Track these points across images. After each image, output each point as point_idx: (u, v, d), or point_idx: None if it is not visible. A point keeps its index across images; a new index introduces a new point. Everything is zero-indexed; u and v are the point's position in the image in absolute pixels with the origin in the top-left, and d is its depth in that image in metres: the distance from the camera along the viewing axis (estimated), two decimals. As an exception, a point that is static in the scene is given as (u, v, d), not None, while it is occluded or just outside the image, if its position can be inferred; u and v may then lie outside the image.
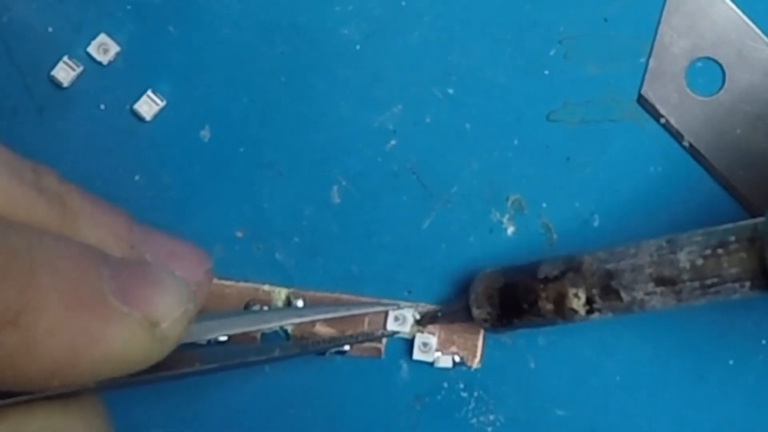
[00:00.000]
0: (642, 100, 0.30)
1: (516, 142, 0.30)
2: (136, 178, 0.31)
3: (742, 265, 0.24)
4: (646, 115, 0.30)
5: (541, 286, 0.27)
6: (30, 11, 0.31)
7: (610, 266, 0.26)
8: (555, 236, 0.30)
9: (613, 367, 0.30)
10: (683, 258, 0.25)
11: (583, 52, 0.30)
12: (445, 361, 0.30)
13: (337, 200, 0.31)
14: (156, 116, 0.31)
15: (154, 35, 0.31)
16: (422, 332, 0.30)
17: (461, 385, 0.30)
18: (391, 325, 0.30)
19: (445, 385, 0.31)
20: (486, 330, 0.29)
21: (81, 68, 0.31)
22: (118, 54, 0.31)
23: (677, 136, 0.30)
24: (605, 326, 0.30)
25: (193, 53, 0.31)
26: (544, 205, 0.30)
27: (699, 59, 0.29)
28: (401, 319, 0.30)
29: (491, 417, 0.31)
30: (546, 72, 0.30)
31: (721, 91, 0.29)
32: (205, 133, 0.31)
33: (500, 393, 0.30)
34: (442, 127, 0.30)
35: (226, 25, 0.31)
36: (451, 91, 0.30)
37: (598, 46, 0.30)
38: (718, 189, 0.29)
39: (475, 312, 0.29)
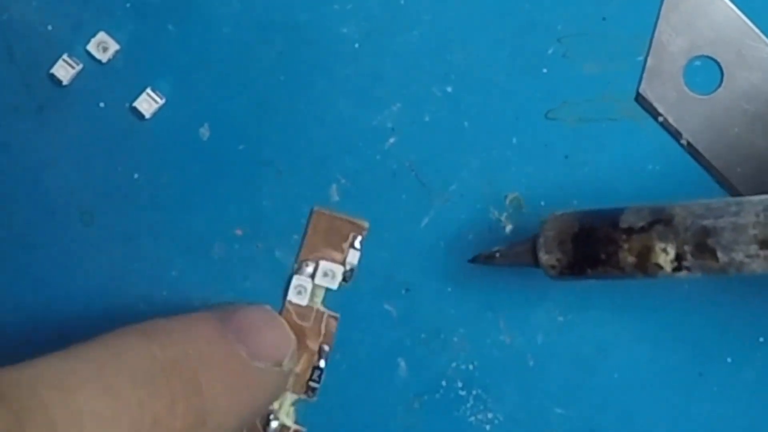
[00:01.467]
0: (640, 99, 0.30)
1: (514, 140, 0.30)
2: (136, 176, 0.31)
3: None
4: (645, 114, 0.30)
5: (624, 236, 0.25)
6: (30, 9, 0.31)
7: (707, 222, 0.24)
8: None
9: (612, 366, 0.30)
10: None
11: (582, 50, 0.30)
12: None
13: (336, 198, 0.31)
14: (155, 114, 0.31)
15: (154, 33, 0.31)
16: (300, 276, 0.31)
17: (459, 384, 0.30)
18: (320, 281, 0.30)
19: (444, 383, 0.31)
20: (551, 277, 0.27)
21: (80, 66, 0.31)
22: (117, 52, 0.31)
23: (675, 134, 0.30)
24: (604, 325, 0.30)
25: (193, 51, 0.31)
26: (543, 203, 0.30)
27: (697, 58, 0.29)
28: (330, 275, 0.30)
29: (490, 415, 0.30)
30: (544, 71, 0.30)
31: (720, 90, 0.29)
32: (205, 131, 0.31)
33: (499, 391, 0.30)
34: (441, 126, 0.30)
35: (225, 24, 0.31)
36: (449, 89, 0.30)
37: (597, 45, 0.30)
38: (717, 187, 0.29)
39: (543, 257, 0.27)
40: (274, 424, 0.31)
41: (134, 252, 0.31)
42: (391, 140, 0.31)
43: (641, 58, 0.30)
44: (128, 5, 0.31)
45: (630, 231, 0.25)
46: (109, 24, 0.31)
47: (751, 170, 0.29)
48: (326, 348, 0.31)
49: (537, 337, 0.30)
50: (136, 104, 0.31)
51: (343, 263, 0.31)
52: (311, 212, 0.31)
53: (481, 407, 0.30)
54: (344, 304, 0.31)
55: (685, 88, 0.30)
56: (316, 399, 0.31)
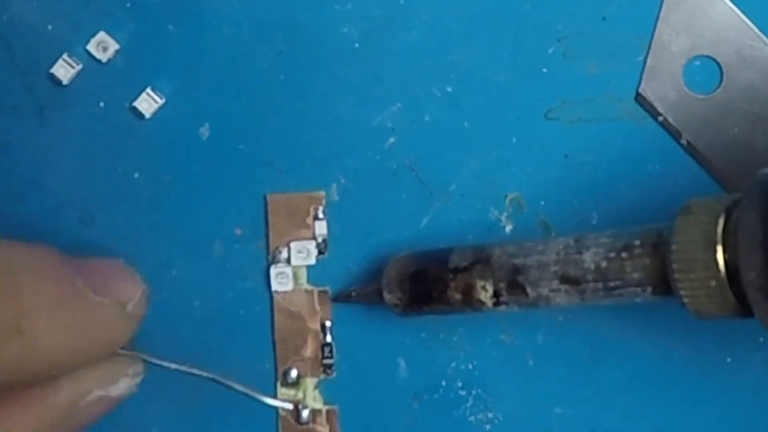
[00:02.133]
0: (640, 99, 0.30)
1: (514, 140, 0.30)
2: (136, 175, 0.31)
3: (644, 271, 0.24)
4: (645, 114, 0.30)
5: (451, 276, 0.27)
6: (30, 9, 0.31)
7: (517, 261, 0.26)
8: (553, 234, 0.30)
9: (612, 366, 0.30)
10: (588, 258, 0.25)
11: (582, 50, 0.30)
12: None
13: (336, 198, 0.31)
14: (155, 114, 0.31)
15: (154, 33, 0.31)
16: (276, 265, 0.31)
17: (459, 384, 0.31)
18: (296, 261, 0.31)
19: (444, 383, 0.31)
20: (397, 314, 0.29)
21: (80, 66, 0.31)
22: (117, 52, 0.31)
23: (675, 134, 0.30)
24: (604, 325, 0.30)
25: (193, 51, 0.31)
26: (543, 203, 0.30)
27: (697, 57, 0.29)
28: (305, 252, 0.30)
29: (489, 415, 0.31)
30: (544, 70, 0.30)
31: (719, 90, 0.29)
32: (205, 131, 0.31)
33: (499, 391, 0.30)
34: (440, 126, 0.30)
35: (225, 24, 0.31)
36: (449, 89, 0.30)
37: (597, 45, 0.30)
38: (716, 187, 0.30)
39: (387, 296, 0.29)
40: (305, 413, 0.31)
41: (134, 252, 0.31)
42: (391, 140, 0.31)
43: (641, 58, 0.30)
44: (128, 5, 0.31)
45: (456, 270, 0.27)
46: (109, 24, 0.31)
47: (751, 170, 0.29)
48: (328, 323, 0.31)
49: (537, 337, 0.30)
50: (136, 104, 0.31)
51: (314, 237, 0.31)
52: (265, 201, 0.31)
53: (481, 407, 0.30)
54: (344, 304, 0.31)
55: (685, 88, 0.30)
56: (335, 375, 0.31)
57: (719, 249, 0.23)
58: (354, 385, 0.31)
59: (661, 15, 0.29)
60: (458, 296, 0.27)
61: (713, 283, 0.23)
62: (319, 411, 0.31)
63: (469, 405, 0.31)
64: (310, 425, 0.31)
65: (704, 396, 0.30)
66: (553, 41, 0.30)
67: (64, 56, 0.31)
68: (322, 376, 0.31)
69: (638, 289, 0.25)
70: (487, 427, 0.30)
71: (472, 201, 0.30)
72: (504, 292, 0.27)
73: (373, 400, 0.31)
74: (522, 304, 0.27)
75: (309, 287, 0.31)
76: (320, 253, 0.31)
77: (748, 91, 0.29)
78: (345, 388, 0.31)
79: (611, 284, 0.25)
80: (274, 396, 0.31)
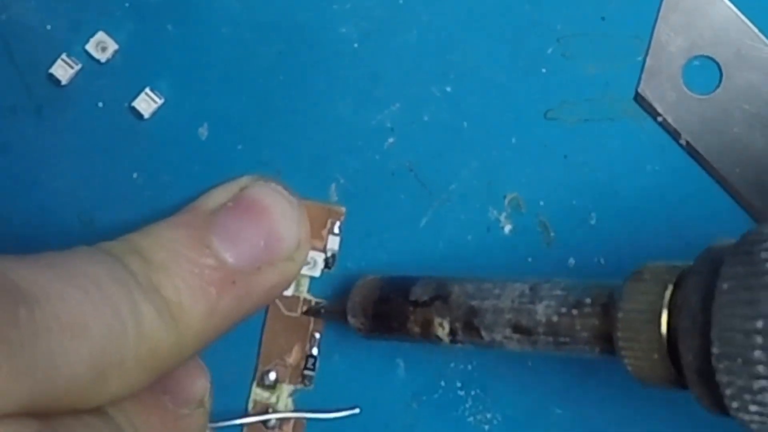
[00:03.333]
0: (639, 99, 0.30)
1: (514, 140, 0.30)
2: (135, 175, 0.31)
3: (592, 331, 0.24)
4: (644, 114, 0.30)
5: (411, 308, 0.28)
6: (28, 9, 0.31)
7: (474, 303, 0.26)
8: (552, 234, 0.30)
9: (612, 365, 0.30)
10: (541, 311, 0.25)
11: (581, 50, 0.30)
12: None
13: (335, 198, 0.31)
14: (154, 114, 0.31)
15: (153, 33, 0.31)
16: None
17: (458, 384, 0.30)
18: (303, 270, 0.30)
19: (443, 383, 0.31)
20: (362, 337, 0.29)
21: (79, 66, 0.31)
22: (116, 52, 0.31)
23: (674, 134, 0.30)
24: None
25: (192, 51, 0.31)
26: (542, 203, 0.30)
27: (696, 57, 0.29)
28: (312, 263, 0.30)
29: (488, 415, 0.30)
30: (544, 70, 0.30)
31: (719, 90, 0.29)
32: (204, 131, 0.31)
33: (497, 391, 0.30)
34: (440, 126, 0.30)
35: (224, 24, 0.31)
36: (449, 89, 0.30)
37: (596, 45, 0.30)
38: (716, 187, 0.29)
39: (351, 320, 0.29)
40: (272, 421, 0.31)
41: (133, 252, 0.31)
42: (390, 140, 0.31)
43: (640, 58, 0.30)
44: (127, 5, 0.31)
45: (416, 303, 0.28)
46: (108, 24, 0.31)
47: (750, 170, 0.29)
48: (317, 335, 0.31)
49: (536, 337, 0.30)
50: (134, 104, 0.31)
51: (324, 250, 0.31)
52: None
53: (480, 407, 0.30)
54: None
55: (684, 88, 0.29)
56: (312, 387, 0.31)
57: (663, 322, 0.22)
58: (354, 385, 0.31)
59: (661, 15, 0.29)
60: (417, 329, 0.27)
61: (655, 355, 0.23)
62: (288, 420, 0.31)
63: (468, 405, 0.31)
64: (276, 430, 0.31)
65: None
66: (552, 41, 0.30)
67: (63, 56, 0.31)
68: (300, 386, 0.31)
69: (587, 347, 0.24)
70: (486, 427, 0.30)
71: (472, 201, 0.30)
72: (459, 332, 0.27)
73: (371, 400, 0.31)
74: (477, 344, 0.27)
75: (308, 298, 0.31)
76: (327, 266, 0.31)
77: (747, 91, 0.29)
78: (344, 388, 0.31)
79: (561, 339, 0.25)
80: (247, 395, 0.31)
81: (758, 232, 0.21)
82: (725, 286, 0.21)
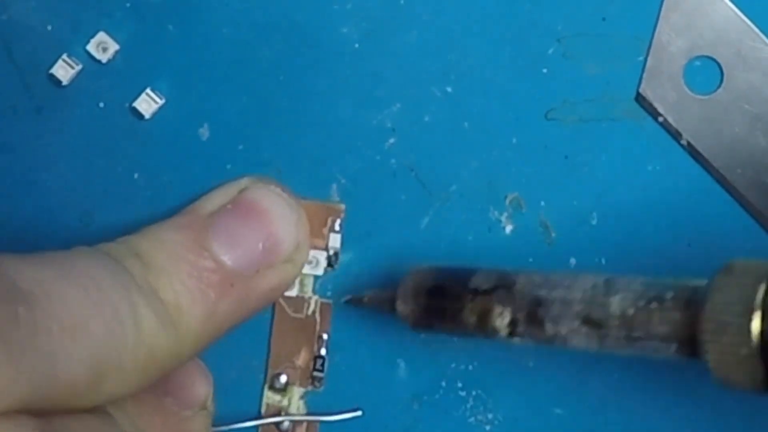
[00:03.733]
0: (640, 99, 0.30)
1: (514, 140, 0.30)
2: (135, 176, 0.31)
3: (672, 325, 0.23)
4: (645, 114, 0.30)
5: (470, 296, 0.26)
6: (29, 9, 0.31)
7: (541, 293, 0.25)
8: (553, 234, 0.30)
9: (612, 366, 0.30)
10: (615, 303, 0.24)
11: (582, 50, 0.30)
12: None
13: (335, 198, 0.31)
14: (155, 114, 0.31)
15: (154, 34, 0.31)
16: None
17: (459, 384, 0.30)
18: (305, 269, 0.30)
19: (444, 384, 0.31)
20: (409, 327, 0.28)
21: (80, 66, 0.31)
22: (117, 52, 0.31)
23: (675, 134, 0.30)
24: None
25: (192, 52, 0.31)
26: (543, 203, 0.30)
27: (697, 58, 0.29)
28: (314, 262, 0.30)
29: (489, 416, 0.30)
30: (544, 71, 0.30)
31: (720, 90, 0.29)
32: (204, 132, 0.31)
33: (499, 392, 0.30)
34: (440, 126, 0.30)
35: (225, 24, 0.31)
36: (449, 89, 0.30)
37: (597, 45, 0.30)
38: (717, 187, 0.29)
39: (400, 306, 0.28)
40: (286, 423, 0.31)
41: (134, 252, 0.31)
42: (391, 140, 0.31)
43: (641, 58, 0.30)
44: (128, 5, 0.31)
45: (476, 292, 0.26)
46: (109, 24, 0.31)
47: (751, 170, 0.29)
48: (325, 336, 0.31)
49: (537, 338, 0.30)
50: (135, 104, 0.31)
51: (326, 248, 0.31)
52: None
53: (481, 408, 0.30)
54: (343, 304, 0.31)
55: (685, 89, 0.30)
56: (323, 388, 0.31)
57: (756, 316, 0.21)
58: (355, 385, 0.31)
59: (661, 15, 0.29)
60: (473, 319, 0.26)
61: (744, 350, 0.21)
62: (300, 423, 0.31)
63: (469, 406, 0.31)
64: None
65: (704, 397, 0.30)
66: (553, 41, 0.30)
67: (64, 56, 0.31)
68: (310, 388, 0.31)
69: (662, 344, 0.23)
70: (488, 427, 0.30)
71: (472, 201, 0.30)
72: (521, 323, 0.25)
73: (372, 400, 0.31)
74: (538, 339, 0.25)
75: (313, 297, 0.31)
76: (329, 265, 0.31)
77: (748, 92, 0.29)
78: (345, 389, 0.31)
79: (635, 334, 0.23)
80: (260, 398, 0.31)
81: None
82: None
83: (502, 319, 0.26)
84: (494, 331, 0.26)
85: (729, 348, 0.22)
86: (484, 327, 0.26)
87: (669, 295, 0.23)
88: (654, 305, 0.23)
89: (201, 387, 0.28)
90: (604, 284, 0.24)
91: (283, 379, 0.31)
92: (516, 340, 0.26)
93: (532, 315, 0.25)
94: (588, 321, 0.24)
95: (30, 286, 0.22)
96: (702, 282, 0.23)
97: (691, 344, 0.23)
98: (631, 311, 0.24)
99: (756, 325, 0.21)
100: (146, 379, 0.25)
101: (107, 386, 0.23)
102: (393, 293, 0.28)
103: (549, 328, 0.25)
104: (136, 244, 0.27)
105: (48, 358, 0.21)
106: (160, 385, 0.26)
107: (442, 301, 0.27)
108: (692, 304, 0.23)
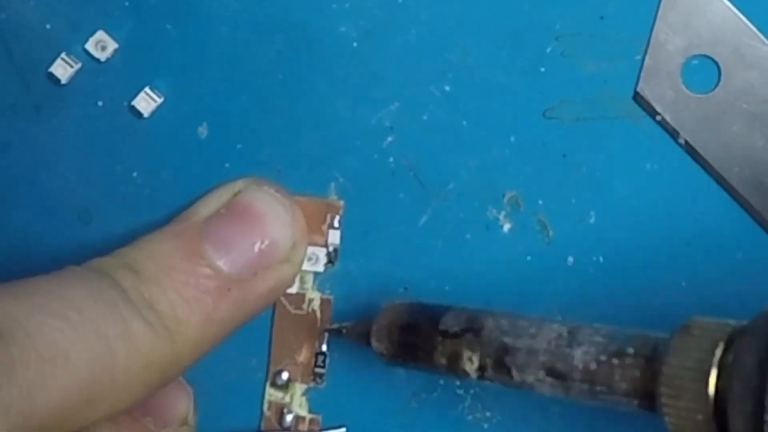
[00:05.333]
0: (638, 98, 0.30)
1: (512, 139, 0.30)
2: (134, 174, 0.31)
3: (633, 383, 0.23)
4: (642, 113, 0.30)
5: (440, 338, 0.27)
6: (28, 8, 0.31)
7: (507, 340, 0.25)
8: (551, 233, 0.30)
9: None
10: (578, 356, 0.24)
11: (580, 49, 0.30)
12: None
13: (334, 197, 0.31)
14: (154, 113, 0.31)
15: (152, 32, 0.31)
16: None
17: (457, 382, 0.30)
18: (304, 266, 0.30)
19: (441, 382, 0.31)
20: (383, 362, 0.29)
21: (79, 65, 0.31)
22: (116, 51, 0.31)
23: (673, 133, 0.30)
24: (602, 322, 0.30)
25: (191, 50, 0.31)
26: (541, 202, 0.30)
27: (695, 57, 0.29)
28: (314, 259, 0.30)
29: (488, 414, 0.31)
30: (542, 69, 0.30)
31: (717, 89, 0.29)
32: (203, 130, 0.31)
33: (497, 390, 0.30)
34: (439, 125, 0.30)
35: (224, 23, 0.31)
36: (448, 88, 0.30)
37: (595, 44, 0.30)
38: (714, 186, 0.29)
39: (374, 343, 0.28)
40: (289, 417, 0.31)
41: (133, 251, 0.31)
42: (390, 139, 0.31)
43: (639, 57, 0.30)
44: (127, 4, 0.31)
45: (446, 334, 0.26)
46: (108, 23, 0.31)
47: (749, 169, 0.29)
48: (325, 333, 0.31)
49: (535, 336, 0.30)
50: (134, 103, 0.31)
51: (325, 245, 0.31)
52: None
53: (479, 406, 0.30)
54: (344, 305, 0.31)
55: (683, 87, 0.30)
56: (324, 384, 0.31)
57: (711, 382, 0.21)
58: (352, 384, 0.31)
59: (659, 14, 0.29)
60: (444, 361, 0.26)
61: (700, 416, 0.22)
62: (303, 419, 0.31)
63: (467, 404, 0.31)
64: (292, 430, 0.31)
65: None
66: (550, 40, 0.30)
67: (63, 55, 0.31)
68: (312, 384, 0.31)
69: (624, 399, 0.23)
70: (485, 426, 0.30)
71: (471, 200, 0.30)
72: (489, 369, 0.26)
73: (370, 399, 0.31)
74: (506, 384, 0.26)
75: (314, 293, 0.31)
76: (329, 261, 0.31)
77: (746, 91, 0.29)
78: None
79: (597, 388, 0.24)
80: (261, 395, 0.31)
81: None
82: None
83: (471, 364, 0.26)
84: (465, 374, 0.26)
85: (685, 413, 0.22)
86: (454, 369, 0.26)
87: (630, 350, 0.23)
88: (615, 361, 0.23)
89: (180, 404, 0.29)
90: (568, 335, 0.25)
91: (285, 376, 0.31)
92: (486, 383, 0.26)
93: (500, 362, 0.25)
94: (552, 372, 0.24)
95: (5, 321, 0.22)
96: (664, 335, 0.23)
97: (651, 401, 0.23)
98: (593, 366, 0.24)
99: (711, 391, 0.21)
100: (146, 391, 0.25)
101: (101, 406, 0.24)
102: (369, 326, 0.29)
103: (516, 375, 0.25)
104: (129, 256, 0.27)
105: (28, 391, 0.22)
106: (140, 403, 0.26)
107: (414, 341, 0.27)
108: (652, 361, 0.23)
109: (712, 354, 0.22)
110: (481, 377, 0.26)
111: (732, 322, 0.23)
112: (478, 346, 0.26)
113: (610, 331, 0.24)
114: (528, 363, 0.25)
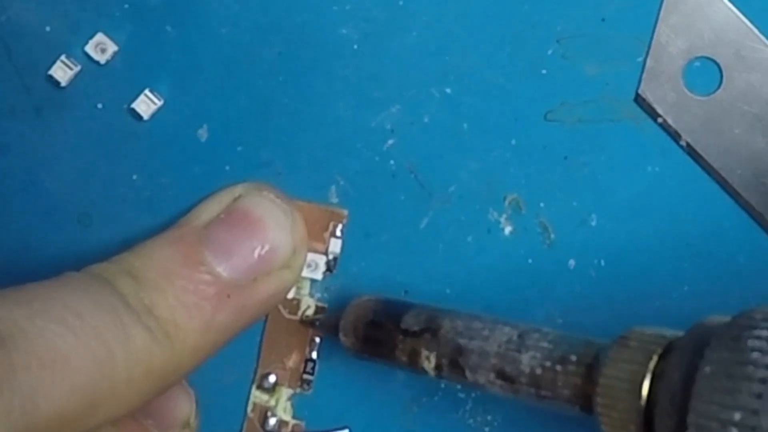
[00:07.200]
0: (639, 100, 0.30)
1: (514, 141, 0.30)
2: (134, 177, 0.31)
3: (573, 390, 0.24)
4: (644, 115, 0.30)
5: (401, 337, 0.27)
6: (28, 10, 0.31)
7: (462, 342, 0.26)
8: (552, 236, 0.30)
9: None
10: (525, 361, 0.25)
11: (581, 51, 0.30)
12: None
13: (335, 200, 0.31)
14: (154, 115, 0.31)
15: (152, 35, 0.31)
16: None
17: (458, 386, 0.30)
18: (303, 272, 0.30)
19: (442, 385, 0.31)
20: (350, 355, 0.29)
21: (79, 68, 0.31)
22: (115, 53, 0.31)
23: (675, 135, 0.30)
24: (603, 327, 0.30)
25: (191, 53, 0.31)
26: (542, 204, 0.30)
27: (696, 59, 0.29)
28: (313, 266, 0.30)
29: (488, 417, 0.30)
30: (544, 72, 0.30)
31: (719, 91, 0.29)
32: (203, 133, 0.31)
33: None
34: (439, 127, 0.30)
35: (223, 25, 0.31)
36: (448, 90, 0.30)
37: (596, 46, 0.30)
38: (716, 188, 0.29)
39: (342, 337, 0.29)
40: (272, 421, 0.31)
41: (132, 253, 0.31)
42: (390, 141, 0.31)
43: (640, 59, 0.30)
44: (126, 6, 0.31)
45: (406, 332, 0.27)
46: (108, 25, 0.31)
47: (751, 171, 0.29)
48: (317, 340, 0.31)
49: (536, 339, 0.30)
50: (134, 105, 0.31)
51: (325, 253, 0.31)
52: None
53: (480, 409, 0.30)
54: (343, 305, 0.31)
55: (685, 89, 0.29)
56: (311, 391, 0.31)
57: (643, 395, 0.22)
58: (353, 388, 0.31)
59: (661, 16, 0.29)
60: (404, 358, 0.27)
61: (632, 427, 0.22)
62: (286, 424, 0.31)
63: (468, 408, 0.31)
64: None
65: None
66: (552, 42, 0.30)
67: (63, 58, 0.31)
68: (298, 390, 0.31)
69: (566, 404, 0.24)
70: (486, 429, 0.30)
71: (472, 202, 0.30)
72: (445, 369, 0.26)
73: (371, 402, 0.31)
74: (461, 383, 0.26)
75: (309, 300, 0.31)
76: (328, 270, 0.31)
77: (747, 92, 0.29)
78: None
79: (543, 393, 0.24)
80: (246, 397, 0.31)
81: (748, 317, 0.20)
82: (708, 369, 0.20)
83: (429, 363, 0.27)
84: (423, 371, 0.27)
85: (618, 422, 0.22)
86: (414, 366, 0.27)
87: (573, 358, 0.24)
88: (559, 367, 0.24)
89: (183, 406, 0.29)
90: (517, 338, 0.25)
91: (272, 379, 0.31)
92: (444, 380, 0.27)
93: (454, 362, 0.26)
94: (502, 375, 0.25)
95: (6, 326, 0.22)
96: (606, 344, 0.24)
97: (590, 408, 0.23)
98: (538, 371, 0.24)
99: (643, 404, 0.22)
100: (145, 397, 0.25)
101: (102, 410, 0.24)
102: (338, 320, 0.29)
103: (469, 375, 0.26)
104: (129, 262, 0.27)
105: (28, 396, 0.22)
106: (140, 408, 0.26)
107: (378, 337, 0.28)
108: (592, 369, 0.23)
109: (646, 367, 0.22)
110: (438, 375, 0.27)
111: (668, 333, 0.23)
112: (435, 345, 0.26)
113: (557, 337, 0.25)
114: (479, 365, 0.25)
